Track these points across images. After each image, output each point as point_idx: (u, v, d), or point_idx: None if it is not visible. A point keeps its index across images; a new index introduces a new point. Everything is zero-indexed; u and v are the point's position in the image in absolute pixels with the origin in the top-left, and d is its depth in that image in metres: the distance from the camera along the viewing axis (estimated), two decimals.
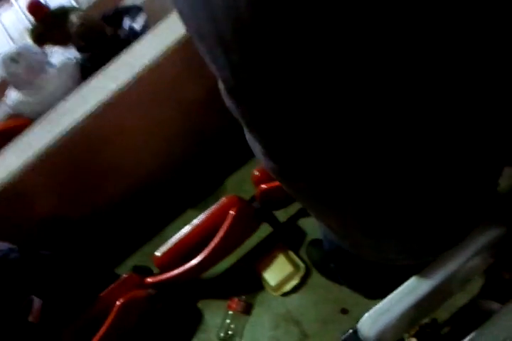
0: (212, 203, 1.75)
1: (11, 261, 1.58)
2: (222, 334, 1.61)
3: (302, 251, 1.69)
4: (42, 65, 2.33)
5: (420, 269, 1.08)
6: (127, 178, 2.19)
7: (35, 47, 2.36)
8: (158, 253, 1.69)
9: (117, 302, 1.55)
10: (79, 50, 2.47)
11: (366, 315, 1.10)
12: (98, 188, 2.13)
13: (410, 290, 1.08)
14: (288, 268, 1.62)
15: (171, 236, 1.77)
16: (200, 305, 1.78)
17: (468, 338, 1.05)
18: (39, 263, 1.70)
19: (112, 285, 1.64)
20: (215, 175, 2.23)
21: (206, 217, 1.75)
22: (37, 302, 1.56)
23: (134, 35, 2.25)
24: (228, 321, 1.62)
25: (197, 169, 2.23)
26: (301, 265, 1.63)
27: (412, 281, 1.09)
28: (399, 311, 1.06)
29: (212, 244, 1.59)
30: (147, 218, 2.19)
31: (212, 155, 2.21)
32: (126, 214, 2.18)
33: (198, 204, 2.14)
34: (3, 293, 1.51)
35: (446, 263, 1.08)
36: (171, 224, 2.18)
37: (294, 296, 1.60)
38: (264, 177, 1.64)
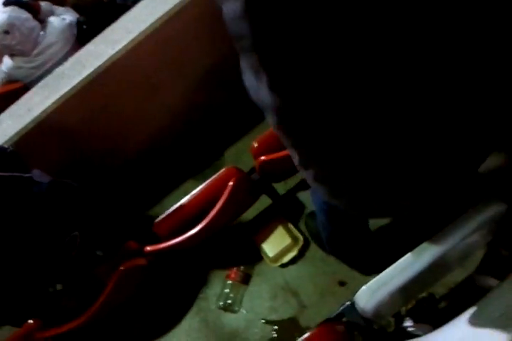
0: (211, 174, 1.74)
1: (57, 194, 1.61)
2: (221, 303, 1.64)
3: (301, 224, 1.69)
4: (35, 32, 2.27)
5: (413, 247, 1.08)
6: (125, 147, 2.17)
7: (24, 12, 2.28)
8: (157, 221, 1.70)
9: (120, 269, 1.56)
10: (76, 11, 2.41)
11: (364, 287, 1.10)
12: (95, 155, 2.11)
13: (408, 265, 1.08)
14: (286, 240, 1.63)
15: (170, 206, 1.77)
16: (199, 274, 1.79)
17: (465, 313, 1.06)
18: (82, 199, 1.75)
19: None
20: (214, 147, 2.20)
21: (205, 187, 1.74)
22: (78, 237, 1.61)
23: (131, 1, 2.18)
24: (227, 290, 1.64)
25: (196, 140, 2.21)
26: (300, 237, 1.64)
27: (410, 256, 1.09)
28: (396, 285, 1.07)
29: (210, 214, 1.58)
30: (146, 188, 2.19)
31: (212, 126, 2.18)
32: (126, 184, 2.17)
33: (197, 176, 2.13)
34: (52, 226, 1.54)
35: (445, 239, 1.07)
36: (170, 194, 2.18)
37: (292, 268, 1.61)
38: (263, 149, 1.63)
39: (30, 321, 1.65)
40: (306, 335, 1.10)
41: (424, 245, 1.08)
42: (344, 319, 1.17)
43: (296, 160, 0.90)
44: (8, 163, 1.54)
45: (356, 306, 1.13)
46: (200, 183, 1.76)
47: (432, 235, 1.08)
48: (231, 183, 1.63)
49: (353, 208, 0.95)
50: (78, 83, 1.81)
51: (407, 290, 1.09)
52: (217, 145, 2.20)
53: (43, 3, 2.44)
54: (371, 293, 1.08)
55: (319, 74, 0.61)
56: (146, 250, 1.65)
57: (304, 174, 0.95)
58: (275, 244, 1.64)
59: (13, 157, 1.60)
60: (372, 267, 1.49)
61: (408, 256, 1.08)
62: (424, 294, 1.36)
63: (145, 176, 2.20)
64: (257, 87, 0.71)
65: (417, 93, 0.65)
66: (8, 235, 1.45)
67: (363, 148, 0.74)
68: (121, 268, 1.57)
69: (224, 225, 1.68)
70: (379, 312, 1.11)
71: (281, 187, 1.82)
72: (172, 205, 1.77)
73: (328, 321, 1.16)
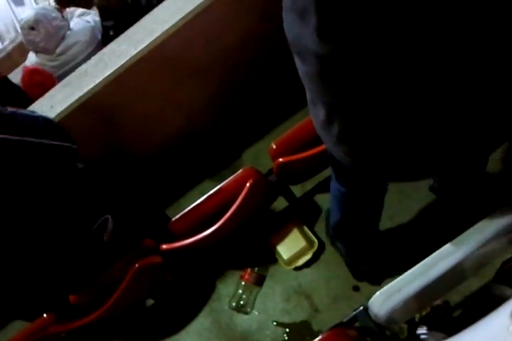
0: (229, 175, 1.74)
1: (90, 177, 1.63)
2: (234, 304, 1.64)
3: (317, 227, 1.68)
4: (61, 32, 2.30)
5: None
6: (143, 144, 2.19)
7: (54, 12, 2.31)
8: (174, 220, 1.71)
9: (135, 265, 1.57)
10: (102, 18, 2.44)
11: (377, 293, 1.10)
12: (111, 155, 2.14)
13: (423, 272, 1.07)
14: (302, 243, 1.62)
15: (186, 206, 1.78)
16: (213, 274, 1.79)
17: (479, 323, 1.05)
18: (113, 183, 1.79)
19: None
20: (232, 148, 2.21)
21: (222, 187, 1.74)
22: (111, 221, 1.61)
23: (156, 1, 2.21)
24: (240, 291, 1.64)
25: (214, 141, 2.22)
26: (315, 241, 1.63)
27: (425, 262, 1.08)
28: (411, 291, 1.06)
29: (227, 215, 1.59)
30: (162, 187, 2.20)
31: (230, 127, 2.19)
32: (142, 182, 2.19)
33: (214, 176, 2.14)
34: (83, 210, 1.55)
35: (461, 246, 1.06)
36: (187, 194, 2.19)
37: (307, 271, 1.60)
38: (282, 151, 1.63)
39: (45, 315, 1.68)
40: (318, 338, 1.10)
41: (440, 252, 1.07)
42: (357, 324, 1.16)
43: (320, 118, 0.90)
44: (56, 134, 1.53)
45: (369, 311, 1.12)
46: (217, 184, 1.77)
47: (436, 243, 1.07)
48: (248, 184, 1.63)
49: (370, 169, 0.96)
50: (101, 81, 1.84)
51: (422, 297, 1.08)
52: (235, 146, 2.20)
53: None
54: (385, 299, 1.07)
55: (365, 25, 0.64)
56: (162, 248, 1.66)
57: (325, 136, 0.95)
58: (290, 246, 1.64)
59: (60, 129, 1.62)
60: (370, 262, 1.48)
61: (423, 262, 1.07)
62: (438, 301, 1.34)
63: (162, 175, 2.22)
64: (299, 31, 0.72)
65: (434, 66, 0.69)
66: (40, 209, 1.43)
67: (389, 107, 0.77)
68: (137, 265, 1.58)
69: (240, 226, 1.69)
70: (392, 318, 1.10)
71: (298, 190, 1.81)
72: (188, 205, 1.78)
73: (340, 325, 1.16)
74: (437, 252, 1.07)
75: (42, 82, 2.28)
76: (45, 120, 1.52)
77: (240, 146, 2.20)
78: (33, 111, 1.53)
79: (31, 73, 2.33)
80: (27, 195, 1.41)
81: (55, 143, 1.48)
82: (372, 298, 1.09)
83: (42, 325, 1.63)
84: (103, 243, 1.61)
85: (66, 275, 1.61)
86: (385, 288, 1.08)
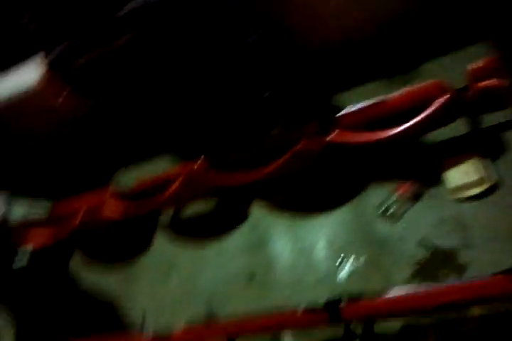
0: (402, 82, 1.71)
1: None
2: (382, 209, 1.60)
3: (498, 164, 1.50)
4: None
5: None
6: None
7: None
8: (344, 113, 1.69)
9: (297, 147, 1.59)
10: None
11: None
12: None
13: None
14: (475, 176, 1.47)
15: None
16: (371, 178, 1.73)
17: None
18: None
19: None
20: (410, 58, 1.96)
21: (405, 94, 1.64)
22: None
23: None
24: (393, 199, 1.59)
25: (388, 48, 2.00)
26: (491, 178, 1.47)
27: None
28: None
29: (415, 119, 1.50)
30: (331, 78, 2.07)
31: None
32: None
33: (392, 79, 1.94)
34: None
35: None
36: (352, 90, 2.02)
37: (469, 204, 1.47)
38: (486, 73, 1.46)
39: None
40: (488, 277, 1.04)
41: None
42: None
43: None
44: None
45: None
46: (388, 89, 1.68)
47: None
48: (441, 100, 1.49)
49: None
50: None
51: None
52: (413, 57, 1.95)
53: None
54: None
55: None
56: (326, 139, 1.62)
57: None
58: (462, 175, 1.49)
59: None
60: None
61: None
62: None
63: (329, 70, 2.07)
64: None
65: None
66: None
67: None
68: (301, 144, 1.58)
69: (416, 136, 1.59)
70: None
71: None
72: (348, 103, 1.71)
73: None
74: None
75: None
76: None
77: (419, 58, 1.96)
78: None
79: None
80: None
81: None
82: None
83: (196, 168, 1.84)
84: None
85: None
86: None
